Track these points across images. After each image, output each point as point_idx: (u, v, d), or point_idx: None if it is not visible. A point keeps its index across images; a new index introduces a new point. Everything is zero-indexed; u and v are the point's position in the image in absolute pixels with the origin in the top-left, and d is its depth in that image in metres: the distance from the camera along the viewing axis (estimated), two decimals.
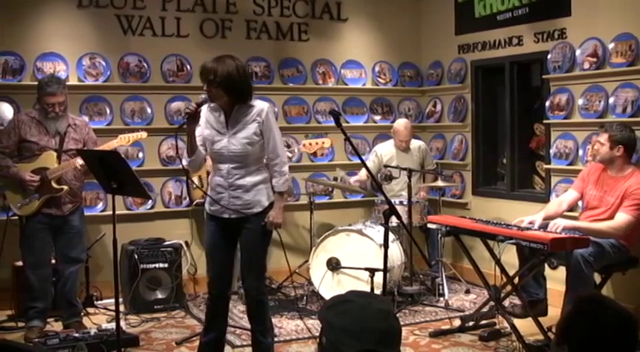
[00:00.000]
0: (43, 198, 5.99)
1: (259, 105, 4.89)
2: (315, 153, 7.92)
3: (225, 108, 4.85)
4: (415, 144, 7.86)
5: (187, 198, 7.52)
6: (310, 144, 6.77)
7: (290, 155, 6.44)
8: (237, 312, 6.61)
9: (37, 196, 5.98)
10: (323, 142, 6.83)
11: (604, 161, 5.87)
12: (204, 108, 4.89)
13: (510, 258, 6.05)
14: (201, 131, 4.92)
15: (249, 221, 4.91)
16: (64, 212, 6.12)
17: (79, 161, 5.92)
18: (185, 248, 7.27)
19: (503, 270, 5.84)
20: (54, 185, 5.99)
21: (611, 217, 5.70)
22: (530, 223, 5.71)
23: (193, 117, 4.76)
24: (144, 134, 6.46)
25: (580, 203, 6.13)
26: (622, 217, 5.63)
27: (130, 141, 6.35)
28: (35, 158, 6.02)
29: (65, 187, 6.04)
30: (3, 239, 6.25)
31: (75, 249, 6.22)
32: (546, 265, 5.97)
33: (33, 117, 6.08)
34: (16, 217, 6.15)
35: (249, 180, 4.88)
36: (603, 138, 5.84)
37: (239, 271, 5.44)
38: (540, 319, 5.70)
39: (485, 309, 6.21)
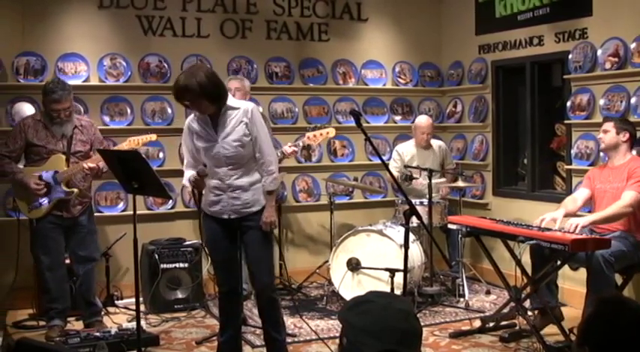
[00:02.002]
0: (53, 202, 6.00)
1: (244, 106, 4.93)
2: (326, 145, 7.90)
3: (211, 114, 4.88)
4: (435, 143, 7.84)
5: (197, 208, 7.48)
6: (315, 135, 6.73)
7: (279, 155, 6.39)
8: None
9: (47, 200, 5.98)
10: (327, 132, 6.80)
11: (609, 147, 5.89)
12: (190, 120, 4.97)
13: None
14: (191, 144, 4.98)
15: (249, 219, 4.95)
16: (74, 214, 6.12)
17: (88, 164, 5.91)
18: (205, 248, 7.28)
19: (523, 271, 5.81)
20: (64, 188, 6.00)
21: None
22: (553, 220, 5.70)
23: (201, 183, 4.93)
24: (153, 136, 6.40)
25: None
26: (628, 194, 5.66)
27: (139, 144, 6.27)
28: (44, 161, 6.01)
29: (75, 190, 6.03)
30: (18, 238, 6.25)
31: (87, 248, 6.22)
32: (567, 266, 5.95)
33: (39, 120, 6.07)
34: (26, 218, 6.17)
35: (246, 180, 4.93)
36: (608, 125, 5.88)
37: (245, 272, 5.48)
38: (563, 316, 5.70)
39: (505, 310, 6.18)
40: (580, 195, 6.08)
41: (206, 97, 4.74)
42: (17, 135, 6.03)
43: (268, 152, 4.96)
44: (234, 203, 4.92)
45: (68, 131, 6.05)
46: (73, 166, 5.99)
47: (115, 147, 6.22)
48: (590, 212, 6.05)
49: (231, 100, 4.93)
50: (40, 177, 5.94)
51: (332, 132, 6.82)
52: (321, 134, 6.74)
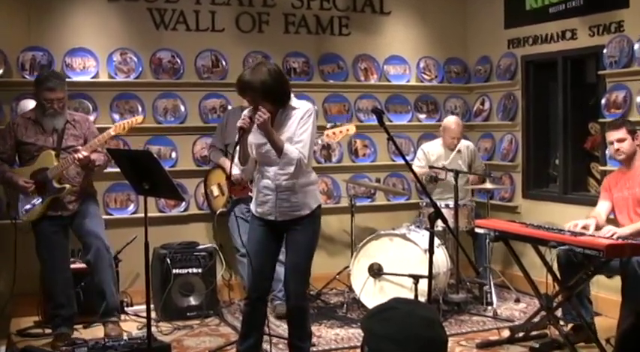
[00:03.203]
0: (46, 201, 6.01)
1: (303, 106, 5.00)
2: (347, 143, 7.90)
3: (271, 111, 4.92)
4: (463, 144, 7.81)
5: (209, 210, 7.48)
6: (334, 133, 6.73)
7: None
8: (274, 320, 6.62)
9: (41, 200, 6.00)
10: (347, 130, 6.79)
11: (629, 155, 5.84)
12: (249, 110, 4.98)
13: None
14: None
15: (296, 223, 5.01)
16: (71, 211, 6.13)
17: (77, 155, 5.87)
18: (219, 252, 7.30)
19: (555, 278, 5.79)
20: (55, 185, 5.99)
21: None
22: (584, 228, 5.65)
23: (248, 130, 4.89)
24: (139, 118, 6.33)
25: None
26: None
27: (125, 129, 6.15)
28: (34, 160, 6.03)
29: (67, 186, 6.02)
30: (15, 243, 6.17)
31: (96, 226, 6.18)
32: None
33: (28, 117, 6.11)
34: (26, 221, 6.17)
35: (296, 181, 4.96)
36: (621, 133, 5.81)
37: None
38: (597, 330, 5.65)
39: (536, 319, 6.15)
40: (602, 208, 6.03)
41: (267, 98, 4.83)
42: (7, 134, 6.08)
43: (307, 153, 4.93)
44: (282, 205, 4.98)
45: (60, 125, 6.06)
46: (64, 161, 5.97)
47: (101, 136, 6.08)
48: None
49: (293, 100, 5.00)
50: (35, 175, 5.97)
51: (352, 129, 6.81)
52: (340, 131, 6.73)
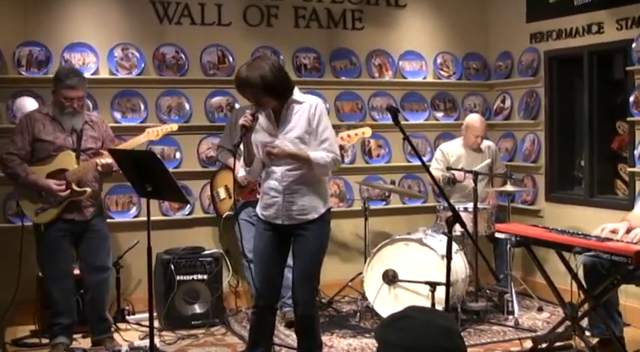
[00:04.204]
0: (63, 203, 6.00)
1: (310, 100, 5.01)
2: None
3: (275, 108, 4.95)
4: (484, 144, 7.79)
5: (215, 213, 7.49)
6: (349, 136, 6.74)
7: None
8: (283, 329, 6.62)
9: (57, 202, 5.98)
10: (363, 132, 6.80)
11: None
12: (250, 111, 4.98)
13: None
14: (252, 136, 5.01)
15: (303, 228, 5.00)
16: (86, 216, 6.12)
17: (100, 160, 5.92)
18: (226, 257, 7.30)
19: (580, 286, 5.76)
20: (75, 187, 5.99)
21: None
22: (613, 232, 5.61)
23: (250, 128, 4.88)
24: (174, 126, 6.48)
25: None
26: None
27: (159, 135, 6.31)
28: (51, 159, 5.99)
29: (88, 189, 6.02)
30: (20, 247, 6.17)
31: (100, 255, 6.22)
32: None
33: (46, 113, 6.08)
34: (31, 224, 6.16)
35: (304, 182, 4.96)
36: None
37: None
38: (625, 341, 5.64)
39: (560, 329, 6.13)
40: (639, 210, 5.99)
41: (269, 93, 4.85)
42: (24, 130, 6.01)
43: (336, 150, 5.02)
44: (290, 208, 4.98)
45: (78, 125, 6.06)
46: (85, 164, 5.98)
47: (131, 141, 6.22)
48: None
49: (297, 94, 5.01)
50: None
51: (368, 132, 6.83)
52: (356, 134, 6.75)
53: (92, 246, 6.19)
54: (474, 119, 7.70)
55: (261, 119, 5.00)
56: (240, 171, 5.14)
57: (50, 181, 5.92)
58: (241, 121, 4.85)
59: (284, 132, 4.94)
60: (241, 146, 4.96)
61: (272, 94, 4.86)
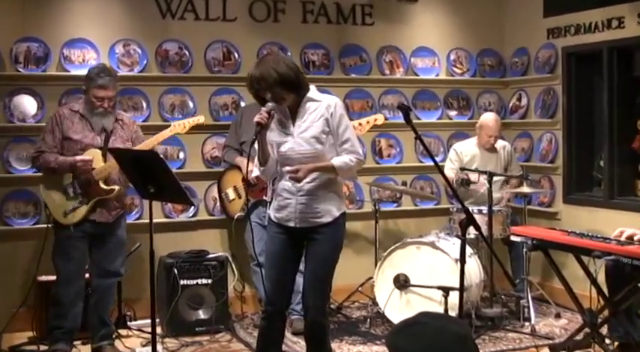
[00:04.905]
0: (92, 202, 6.01)
1: (328, 100, 5.01)
2: None
3: (291, 106, 4.96)
4: (500, 144, 7.78)
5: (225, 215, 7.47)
6: (361, 124, 6.71)
7: None
8: (290, 336, 6.62)
9: (85, 201, 6.00)
10: (375, 119, 6.76)
11: None
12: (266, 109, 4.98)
13: None
14: (267, 134, 5.02)
15: (317, 232, 4.99)
16: (108, 219, 6.14)
17: None
18: (231, 261, 7.30)
19: (600, 291, 5.75)
20: (102, 186, 6.00)
21: None
22: (629, 238, 5.57)
23: (266, 126, 4.88)
24: (201, 118, 6.54)
25: None
26: None
27: (185, 128, 6.32)
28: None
29: (116, 187, 6.03)
30: (42, 248, 6.19)
31: (115, 261, 6.24)
32: None
33: (76, 111, 6.11)
34: (50, 225, 6.18)
35: (319, 184, 4.95)
36: None
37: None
38: None
39: (578, 337, 6.12)
40: None
41: (288, 87, 4.85)
42: (55, 127, 6.05)
43: (359, 150, 5.03)
44: (303, 210, 4.97)
45: (109, 125, 6.09)
46: (112, 162, 5.92)
47: (157, 136, 6.22)
48: None
49: (313, 92, 5.01)
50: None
51: (380, 118, 6.78)
52: (367, 122, 6.70)
53: (109, 250, 6.21)
54: (487, 118, 7.69)
55: (276, 117, 5.00)
56: (255, 171, 5.12)
57: (75, 156, 5.93)
58: (257, 118, 4.84)
59: (299, 132, 4.93)
60: (255, 145, 4.95)
61: (288, 88, 4.85)
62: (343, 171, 4.94)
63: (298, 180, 4.85)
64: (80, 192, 6.01)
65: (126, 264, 6.88)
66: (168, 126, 6.49)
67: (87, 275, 6.33)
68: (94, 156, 5.99)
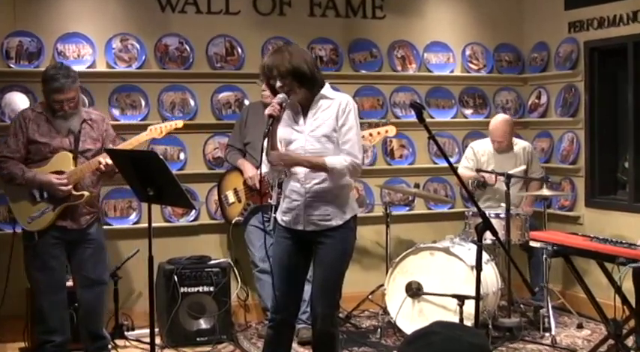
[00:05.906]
0: (59, 209, 5.95)
1: (340, 97, 5.03)
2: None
3: (302, 102, 4.98)
4: (520, 144, 7.77)
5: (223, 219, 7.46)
6: (371, 134, 6.74)
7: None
8: (297, 346, 6.62)
9: (52, 207, 5.93)
10: (387, 131, 6.80)
11: None
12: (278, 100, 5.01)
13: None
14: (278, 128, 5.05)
15: (326, 235, 4.99)
16: (81, 224, 6.07)
17: (104, 159, 5.84)
18: (234, 268, 7.30)
19: (624, 300, 5.75)
20: (72, 191, 5.94)
21: None
22: None
23: (278, 118, 4.91)
24: (179, 123, 6.46)
25: None
26: None
27: (162, 133, 6.27)
28: (46, 161, 5.95)
29: (86, 193, 5.97)
30: (10, 257, 6.18)
31: (96, 268, 6.17)
32: None
33: (40, 112, 6.04)
34: (20, 231, 6.13)
35: (329, 186, 4.95)
36: None
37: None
38: None
39: (602, 349, 6.11)
40: None
41: (301, 80, 4.88)
42: (18, 131, 5.98)
43: (359, 155, 4.99)
44: (311, 212, 4.97)
45: (75, 126, 6.02)
46: (83, 165, 5.92)
47: (132, 139, 6.17)
48: None
49: (327, 90, 5.03)
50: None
51: (392, 130, 6.82)
52: (378, 133, 6.74)
53: (87, 257, 6.13)
54: (493, 122, 7.74)
55: (286, 114, 5.02)
56: (263, 168, 5.10)
57: (51, 176, 5.87)
58: (268, 110, 4.85)
59: (310, 129, 4.95)
60: (265, 142, 4.95)
61: (299, 81, 4.88)
62: (335, 171, 4.90)
63: (275, 164, 4.90)
64: (47, 197, 5.94)
65: (120, 270, 6.92)
66: None
67: (69, 284, 6.31)
68: (65, 159, 5.95)
